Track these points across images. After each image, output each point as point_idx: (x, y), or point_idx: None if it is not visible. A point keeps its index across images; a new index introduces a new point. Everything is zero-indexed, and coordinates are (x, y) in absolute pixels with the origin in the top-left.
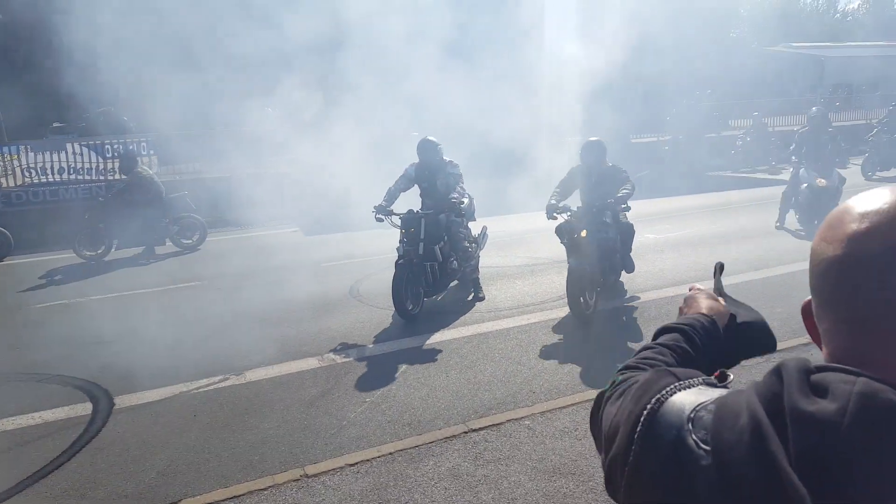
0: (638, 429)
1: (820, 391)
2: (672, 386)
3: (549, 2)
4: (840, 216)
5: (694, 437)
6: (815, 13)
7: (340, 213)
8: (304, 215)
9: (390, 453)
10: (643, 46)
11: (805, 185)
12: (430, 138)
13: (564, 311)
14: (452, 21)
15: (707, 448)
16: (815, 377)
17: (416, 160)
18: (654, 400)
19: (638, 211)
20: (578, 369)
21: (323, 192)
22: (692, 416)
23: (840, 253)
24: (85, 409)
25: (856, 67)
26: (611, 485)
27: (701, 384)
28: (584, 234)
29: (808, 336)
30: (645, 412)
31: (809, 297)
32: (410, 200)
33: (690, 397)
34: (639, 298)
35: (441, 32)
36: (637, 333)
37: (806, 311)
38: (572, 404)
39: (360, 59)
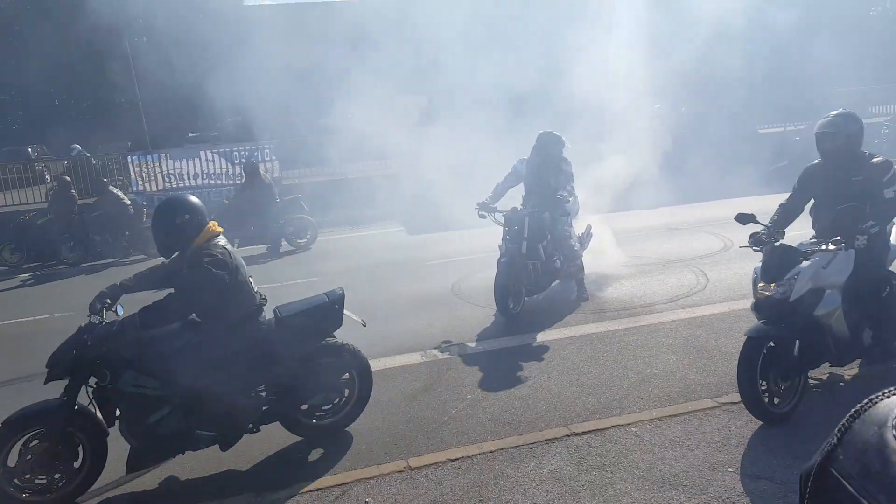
0: (840, 425)
1: None
2: (888, 390)
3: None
4: None
5: (894, 433)
6: None
7: (443, 212)
8: (408, 215)
9: (491, 451)
10: (772, 30)
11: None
12: (555, 132)
13: (675, 314)
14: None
15: None
16: None
17: (524, 156)
18: (865, 401)
19: (767, 205)
20: (692, 377)
21: (427, 191)
22: None
23: None
24: None
25: None
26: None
27: None
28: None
29: None
30: (853, 411)
31: None
32: (514, 198)
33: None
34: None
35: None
36: None
37: None
38: (684, 413)
39: (464, 61)
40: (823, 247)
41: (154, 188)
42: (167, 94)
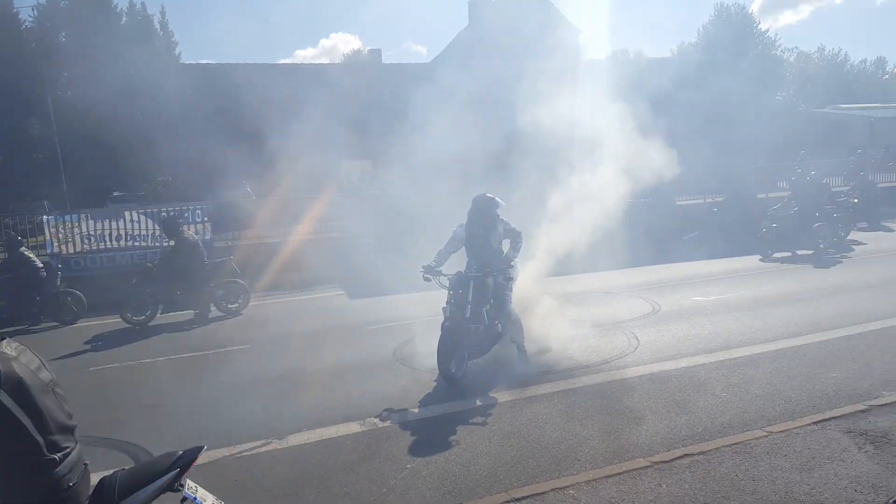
0: None
1: None
2: None
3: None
4: None
5: None
6: (862, 75)
7: (386, 276)
8: (349, 278)
9: None
10: (686, 108)
11: None
12: (488, 194)
13: (609, 375)
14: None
15: None
16: None
17: (463, 222)
18: None
19: (686, 273)
20: (626, 436)
21: (369, 255)
22: None
23: None
24: None
25: None
26: None
27: None
28: None
29: (864, 402)
30: None
31: None
32: (460, 262)
33: None
34: (686, 363)
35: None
36: (683, 399)
37: None
38: (618, 473)
39: (410, 125)
40: None
41: (71, 250)
42: (91, 152)
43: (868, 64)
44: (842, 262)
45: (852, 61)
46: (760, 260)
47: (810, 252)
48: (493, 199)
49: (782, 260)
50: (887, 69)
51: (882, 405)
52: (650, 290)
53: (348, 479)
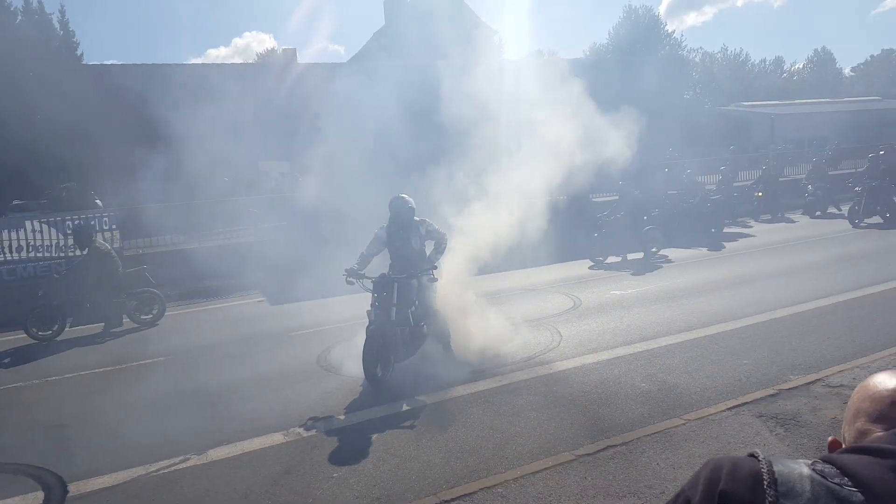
0: (767, 490)
1: None
2: (761, 459)
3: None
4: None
5: (832, 482)
6: (762, 73)
7: (308, 281)
8: (270, 284)
9: None
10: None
11: None
12: (403, 195)
13: (534, 371)
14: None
15: (854, 488)
16: None
17: (386, 222)
18: (765, 472)
19: (602, 269)
20: (551, 431)
21: (290, 259)
22: (814, 469)
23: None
24: (36, 498)
25: (805, 123)
26: None
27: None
28: None
29: (773, 387)
30: (767, 482)
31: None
32: (383, 264)
33: (787, 463)
34: (607, 356)
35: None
36: (605, 391)
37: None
38: (545, 469)
39: (329, 126)
40: None
41: None
42: None
43: (767, 63)
44: (661, 267)
45: (753, 61)
46: (590, 268)
47: (640, 256)
48: (409, 200)
49: (608, 266)
50: (785, 68)
51: (790, 388)
52: (571, 285)
53: (272, 492)
